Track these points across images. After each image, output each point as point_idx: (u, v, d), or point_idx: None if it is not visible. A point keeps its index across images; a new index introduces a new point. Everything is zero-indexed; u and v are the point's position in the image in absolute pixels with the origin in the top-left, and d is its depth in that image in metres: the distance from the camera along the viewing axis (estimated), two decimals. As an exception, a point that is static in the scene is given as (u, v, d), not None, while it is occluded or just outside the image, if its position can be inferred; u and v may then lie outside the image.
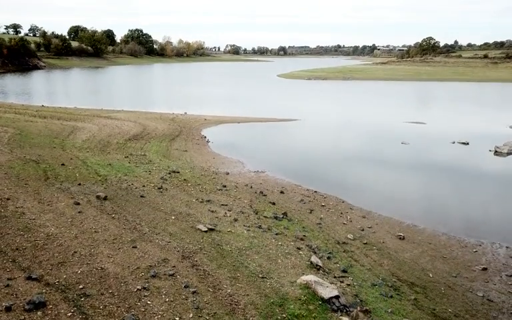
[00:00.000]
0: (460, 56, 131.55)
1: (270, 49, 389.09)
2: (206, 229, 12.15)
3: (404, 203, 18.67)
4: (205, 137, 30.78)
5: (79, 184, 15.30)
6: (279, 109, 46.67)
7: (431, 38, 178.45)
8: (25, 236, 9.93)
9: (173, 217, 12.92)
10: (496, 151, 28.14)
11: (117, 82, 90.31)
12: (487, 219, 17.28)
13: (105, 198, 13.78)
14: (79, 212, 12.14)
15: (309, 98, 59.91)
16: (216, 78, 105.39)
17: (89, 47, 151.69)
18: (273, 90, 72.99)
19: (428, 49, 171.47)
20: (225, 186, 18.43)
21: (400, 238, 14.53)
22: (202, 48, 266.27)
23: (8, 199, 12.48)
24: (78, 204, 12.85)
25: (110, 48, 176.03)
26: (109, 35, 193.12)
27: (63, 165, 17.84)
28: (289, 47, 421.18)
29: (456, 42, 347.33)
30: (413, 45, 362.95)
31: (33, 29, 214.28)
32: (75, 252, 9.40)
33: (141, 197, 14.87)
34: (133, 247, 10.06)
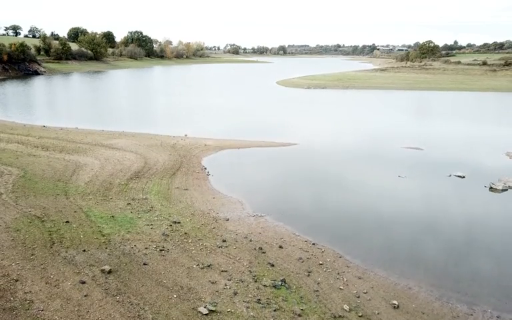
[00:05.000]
0: (459, 62, 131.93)
1: (270, 48, 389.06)
2: (207, 312, 12.65)
3: (398, 256, 19.15)
4: (205, 168, 31.23)
5: (84, 250, 15.78)
6: (278, 129, 47.26)
7: (430, 41, 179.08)
8: (35, 338, 10.42)
9: (175, 296, 13.41)
10: (491, 187, 28.61)
11: (116, 91, 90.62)
12: (479, 275, 17.76)
13: (110, 271, 14.26)
14: (85, 295, 12.63)
15: (307, 114, 60.25)
16: (214, 84, 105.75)
17: (89, 51, 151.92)
18: (272, 102, 73.33)
19: (427, 52, 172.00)
20: (224, 240, 18.91)
21: (394, 307, 15.02)
22: (201, 48, 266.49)
23: (16, 281, 12.96)
24: (84, 282, 13.34)
25: (110, 50, 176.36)
26: (109, 37, 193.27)
27: (67, 222, 18.32)
28: (289, 46, 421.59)
29: (456, 42, 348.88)
30: (412, 44, 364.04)
31: (33, 30, 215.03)
32: (83, 359, 9.89)
33: (144, 264, 15.38)
34: (137, 347, 10.55)
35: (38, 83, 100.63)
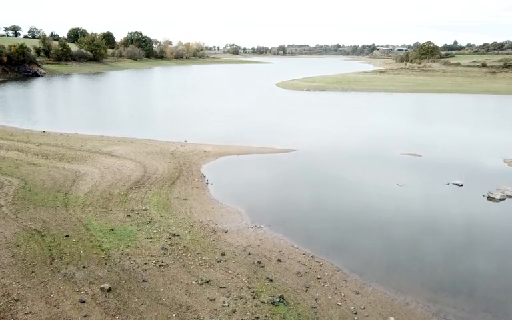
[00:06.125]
0: (458, 64, 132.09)
1: (269, 48, 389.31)
2: (206, 332, 12.77)
3: (396, 269, 19.28)
4: (205, 177, 31.35)
5: (83, 266, 15.91)
6: (277, 133, 47.45)
7: (429, 42, 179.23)
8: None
9: (174, 315, 13.55)
10: (489, 196, 28.73)
11: (115, 93, 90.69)
12: (477, 290, 17.89)
13: (109, 290, 14.40)
14: (85, 315, 12.78)
15: (306, 118, 60.34)
16: (214, 87, 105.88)
17: (89, 52, 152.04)
18: (271, 105, 73.38)
19: (427, 53, 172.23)
20: (223, 254, 19.04)
21: (391, 324, 15.15)
22: (201, 48, 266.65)
23: (17, 301, 13.09)
24: (83, 302, 13.47)
25: (110, 51, 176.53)
26: (109, 37, 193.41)
27: (67, 236, 18.45)
28: (289, 45, 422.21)
29: (455, 42, 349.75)
30: (412, 44, 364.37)
31: (32, 31, 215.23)
32: None
33: (143, 281, 15.51)
34: None
35: (38, 84, 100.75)
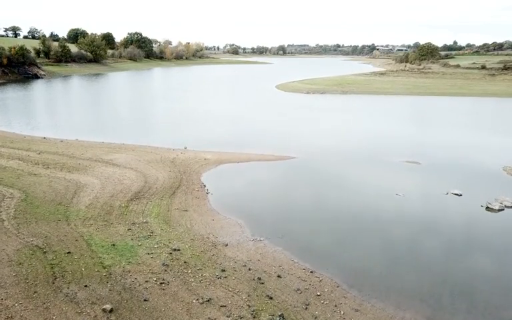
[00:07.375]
0: (458, 66, 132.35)
1: (269, 48, 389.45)
2: (206, 355, 12.91)
3: (395, 285, 19.40)
4: (205, 186, 31.49)
5: (85, 285, 16.07)
6: (277, 139, 47.70)
7: (429, 43, 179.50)
8: None
9: (175, 338, 13.69)
10: (487, 207, 28.89)
11: (115, 97, 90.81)
12: (475, 306, 18.04)
13: (111, 310, 14.56)
14: (87, 340, 12.90)
15: (306, 123, 60.42)
16: (214, 89, 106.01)
17: (89, 53, 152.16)
18: (271, 109, 73.48)
19: (427, 54, 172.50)
20: (223, 270, 19.18)
21: (390, 343, 15.31)
22: (201, 49, 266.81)
23: (20, 324, 13.24)
24: (85, 324, 13.62)
25: (109, 52, 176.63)
26: (108, 38, 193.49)
27: (69, 253, 18.60)
28: (288, 45, 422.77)
29: (455, 42, 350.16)
30: (412, 44, 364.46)
31: (32, 31, 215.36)
32: None
33: (145, 300, 15.68)
34: None
35: (38, 87, 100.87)
